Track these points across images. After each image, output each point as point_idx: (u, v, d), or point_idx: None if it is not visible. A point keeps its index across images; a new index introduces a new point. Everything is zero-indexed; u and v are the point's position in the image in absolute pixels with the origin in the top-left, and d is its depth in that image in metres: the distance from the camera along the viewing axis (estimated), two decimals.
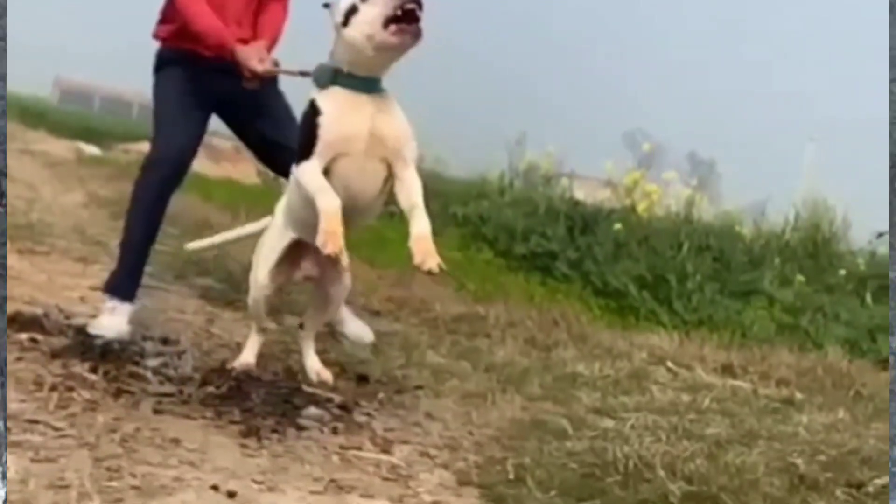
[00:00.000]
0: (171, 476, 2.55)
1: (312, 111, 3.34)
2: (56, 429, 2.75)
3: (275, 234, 3.72)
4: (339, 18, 3.33)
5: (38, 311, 4.06)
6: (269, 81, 4.16)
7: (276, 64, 4.12)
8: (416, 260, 3.19)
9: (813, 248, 10.01)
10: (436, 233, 9.28)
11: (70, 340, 3.68)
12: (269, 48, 4.27)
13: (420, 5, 3.23)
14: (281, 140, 4.21)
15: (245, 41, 4.15)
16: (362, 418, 3.33)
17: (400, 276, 6.41)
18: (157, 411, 3.06)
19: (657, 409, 3.70)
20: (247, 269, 5.88)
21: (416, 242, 3.22)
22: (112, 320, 3.96)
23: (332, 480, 2.72)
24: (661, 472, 2.77)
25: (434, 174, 14.58)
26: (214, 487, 2.52)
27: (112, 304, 4.04)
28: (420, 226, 3.25)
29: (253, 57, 4.04)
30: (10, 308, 3.98)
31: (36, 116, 29.68)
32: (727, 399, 4.10)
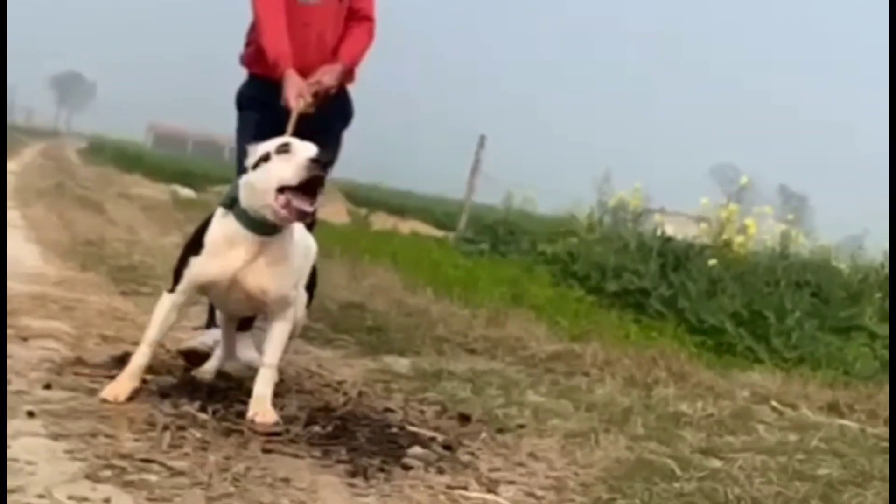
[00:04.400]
0: None
1: (197, 239, 3.53)
2: (170, 468, 2.80)
3: None
4: (252, 161, 3.45)
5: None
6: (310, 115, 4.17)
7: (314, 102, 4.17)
8: (249, 415, 3.42)
9: None
10: (526, 270, 9.27)
11: (178, 380, 3.75)
12: (344, 72, 4.35)
13: (323, 183, 3.33)
14: None
15: (326, 62, 4.28)
16: (466, 458, 3.32)
17: (494, 314, 6.41)
18: (266, 450, 3.09)
19: (765, 449, 3.64)
20: (344, 308, 5.99)
21: (254, 401, 3.48)
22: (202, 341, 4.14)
23: None
24: None
25: (523, 213, 14.62)
26: None
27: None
28: (259, 388, 3.51)
29: (293, 89, 4.11)
30: (119, 349, 4.10)
31: (132, 161, 30.49)
32: (835, 439, 4.01)
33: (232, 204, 3.50)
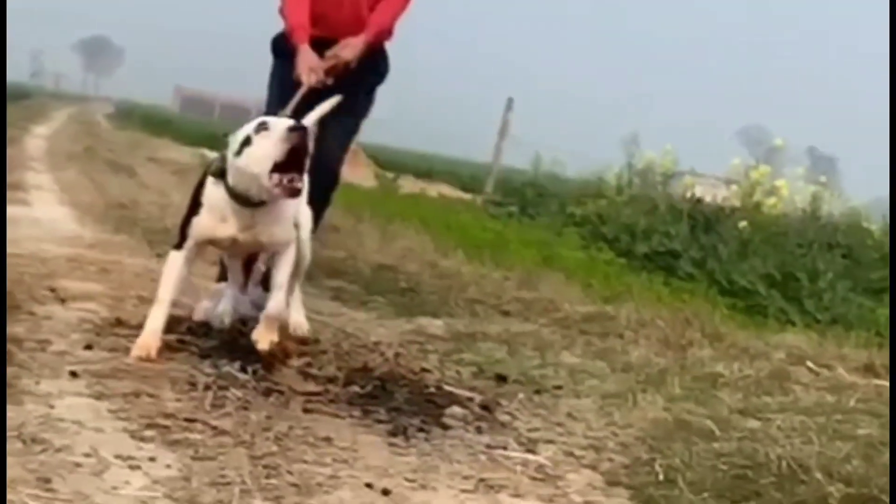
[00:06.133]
0: (326, 474, 2.60)
1: (196, 199, 3.64)
2: (213, 427, 2.83)
3: None
4: (234, 148, 3.50)
5: (182, 312, 4.16)
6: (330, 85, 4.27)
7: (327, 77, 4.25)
8: (253, 336, 3.64)
9: None
10: (555, 232, 9.24)
11: (216, 341, 3.78)
12: (370, 42, 4.37)
13: (306, 151, 3.41)
14: (327, 121, 4.39)
15: (362, 19, 4.33)
16: (505, 418, 3.33)
17: (525, 276, 6.40)
18: (306, 410, 3.11)
19: (803, 409, 3.62)
20: (376, 270, 6.01)
21: (263, 319, 3.66)
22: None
23: (482, 479, 2.73)
24: (818, 474, 2.70)
25: (551, 175, 14.57)
26: (369, 485, 2.56)
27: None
28: (271, 306, 3.67)
29: (305, 65, 4.19)
30: None
31: (160, 125, 30.57)
32: (873, 399, 3.98)
33: (222, 173, 3.57)
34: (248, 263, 4.31)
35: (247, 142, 3.46)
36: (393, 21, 4.45)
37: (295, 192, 3.45)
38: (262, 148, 3.41)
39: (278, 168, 3.38)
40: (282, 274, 3.71)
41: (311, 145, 3.48)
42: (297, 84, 4.17)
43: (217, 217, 3.59)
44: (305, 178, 3.65)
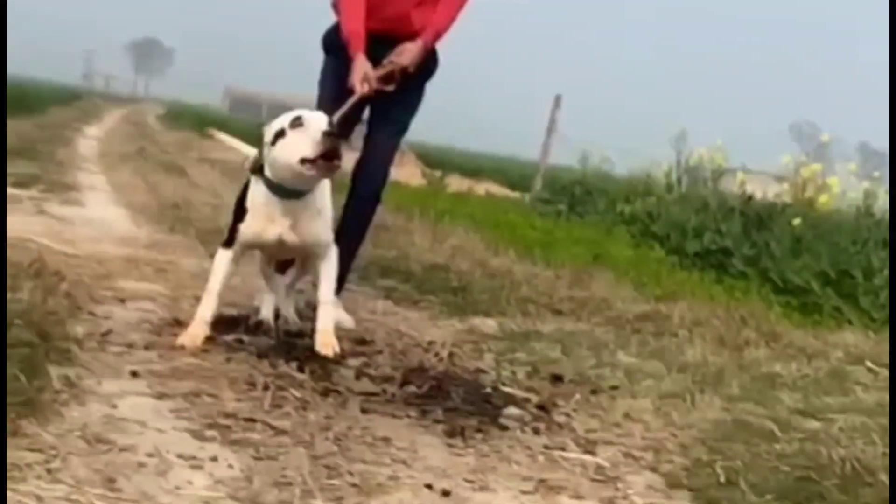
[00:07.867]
0: (386, 474, 2.61)
1: (241, 204, 3.78)
2: (273, 427, 2.84)
3: None
4: (269, 139, 3.62)
5: (240, 312, 4.19)
6: (384, 93, 4.34)
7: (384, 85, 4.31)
8: (317, 347, 3.70)
9: None
10: (605, 231, 9.19)
11: (273, 341, 3.80)
12: (428, 46, 4.38)
13: (338, 154, 3.50)
14: (376, 118, 4.54)
15: (415, 33, 4.34)
16: (562, 418, 3.32)
17: (576, 274, 6.37)
18: (364, 410, 3.12)
19: (864, 409, 3.57)
20: (428, 269, 6.01)
21: (318, 334, 3.74)
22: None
23: (542, 481, 2.72)
24: (883, 476, 2.66)
25: (600, 173, 14.47)
26: (429, 486, 2.56)
27: None
28: (322, 322, 3.76)
29: (359, 74, 4.23)
30: None
31: (210, 126, 30.83)
32: None
33: (261, 169, 3.69)
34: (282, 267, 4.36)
35: (281, 133, 3.58)
36: (451, 23, 4.45)
37: (331, 168, 3.55)
38: (295, 143, 3.54)
39: (308, 161, 3.53)
40: (326, 288, 3.82)
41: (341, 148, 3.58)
42: (353, 90, 4.20)
43: (263, 219, 3.70)
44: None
